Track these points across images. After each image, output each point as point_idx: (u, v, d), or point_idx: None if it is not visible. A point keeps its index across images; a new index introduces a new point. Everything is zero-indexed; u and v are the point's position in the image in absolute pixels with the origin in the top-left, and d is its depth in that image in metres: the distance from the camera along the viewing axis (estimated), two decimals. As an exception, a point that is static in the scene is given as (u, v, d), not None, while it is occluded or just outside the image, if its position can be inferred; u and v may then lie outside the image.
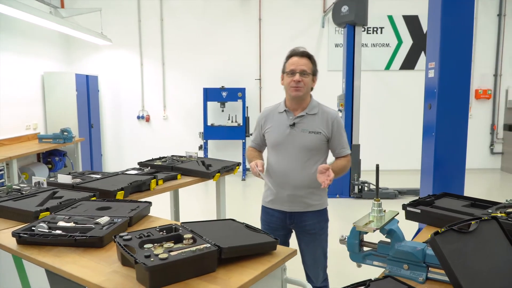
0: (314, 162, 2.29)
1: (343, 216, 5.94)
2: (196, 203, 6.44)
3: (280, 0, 8.21)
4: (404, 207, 2.39)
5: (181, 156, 4.20)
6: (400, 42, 8.40)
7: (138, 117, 8.42)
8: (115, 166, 8.40)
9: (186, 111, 8.41)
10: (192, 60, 8.27)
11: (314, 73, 2.33)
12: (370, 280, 1.48)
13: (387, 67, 8.43)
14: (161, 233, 1.64)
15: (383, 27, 8.35)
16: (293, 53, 2.32)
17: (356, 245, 1.71)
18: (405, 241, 1.64)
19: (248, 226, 1.79)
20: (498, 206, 2.23)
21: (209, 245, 1.47)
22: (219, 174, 3.60)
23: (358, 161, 6.45)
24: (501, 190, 7.50)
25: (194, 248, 1.43)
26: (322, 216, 2.40)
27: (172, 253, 1.41)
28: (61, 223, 1.85)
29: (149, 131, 8.49)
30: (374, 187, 6.58)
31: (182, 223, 1.76)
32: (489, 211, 2.15)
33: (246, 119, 8.02)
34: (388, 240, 1.66)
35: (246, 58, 8.30)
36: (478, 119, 8.59)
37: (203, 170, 3.59)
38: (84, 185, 2.88)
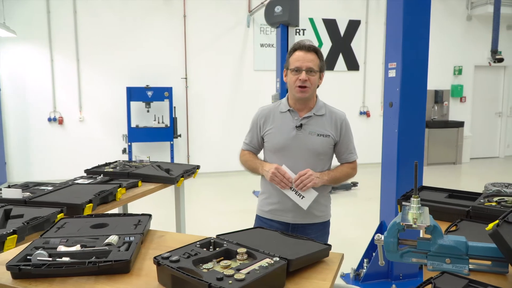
0: (322, 168, 2.12)
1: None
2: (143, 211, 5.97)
3: (205, -3, 8.04)
4: (399, 202, 2.46)
5: (130, 161, 3.84)
6: (320, 44, 8.77)
7: (49, 120, 7.54)
8: (22, 175, 7.42)
9: (106, 112, 7.77)
10: (112, 57, 7.66)
11: (321, 69, 2.11)
12: (431, 277, 1.47)
13: (309, 67, 8.73)
14: (205, 249, 1.44)
15: (305, 29, 8.64)
16: (298, 47, 2.09)
17: (395, 243, 1.69)
18: (445, 235, 1.66)
19: (284, 233, 1.66)
20: (485, 195, 2.41)
21: (277, 258, 1.31)
22: (183, 178, 3.36)
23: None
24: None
25: (265, 264, 1.27)
26: (325, 228, 2.23)
27: (242, 272, 1.23)
28: (63, 248, 1.52)
29: (62, 135, 7.65)
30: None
31: (218, 235, 1.57)
32: (481, 201, 2.30)
33: (174, 120, 7.67)
34: (428, 236, 1.67)
35: (172, 56, 7.95)
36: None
37: (165, 175, 3.31)
38: (40, 200, 2.46)
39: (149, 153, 7.88)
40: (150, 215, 1.94)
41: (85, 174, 3.39)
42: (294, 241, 1.57)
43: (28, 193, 2.60)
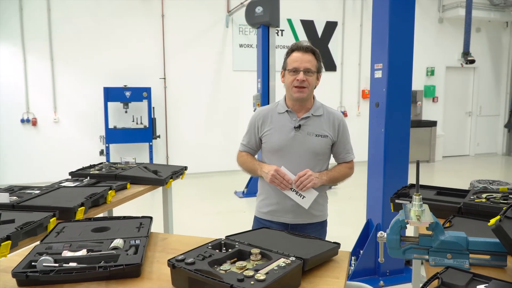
0: (320, 168, 2.13)
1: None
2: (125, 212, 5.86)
3: (184, -3, 7.96)
4: (392, 200, 2.51)
5: (115, 163, 3.75)
6: (298, 44, 8.84)
7: (22, 121, 7.28)
8: (-7, 179, 7.14)
9: (83, 113, 7.57)
10: (88, 57, 7.47)
11: (318, 70, 2.12)
12: (437, 273, 1.51)
13: (288, 68, 8.79)
14: (217, 250, 1.43)
15: (283, 30, 8.69)
16: (295, 48, 2.10)
17: (397, 240, 1.73)
18: (446, 231, 1.71)
19: (290, 233, 1.67)
20: (474, 192, 2.49)
21: (293, 258, 1.32)
22: (172, 180, 3.32)
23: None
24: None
25: (282, 264, 1.28)
26: (323, 228, 2.25)
27: (261, 272, 1.23)
28: (68, 253, 1.47)
29: (36, 137, 7.40)
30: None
31: (227, 236, 1.56)
32: (471, 197, 2.39)
33: (152, 121, 7.56)
34: (429, 232, 1.72)
35: (150, 55, 7.83)
36: (365, 116, 9.51)
37: (153, 177, 3.26)
38: (29, 204, 2.37)
39: (127, 154, 7.74)
40: (151, 218, 1.91)
41: (69, 177, 3.30)
42: (302, 240, 1.58)
43: (15, 197, 2.51)
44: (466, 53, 7.57)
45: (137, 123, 7.55)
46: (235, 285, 1.14)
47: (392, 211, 2.57)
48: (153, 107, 7.60)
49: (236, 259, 1.38)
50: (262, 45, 6.39)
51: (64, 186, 2.89)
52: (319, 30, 8.98)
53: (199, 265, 1.28)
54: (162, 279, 1.39)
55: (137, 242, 1.59)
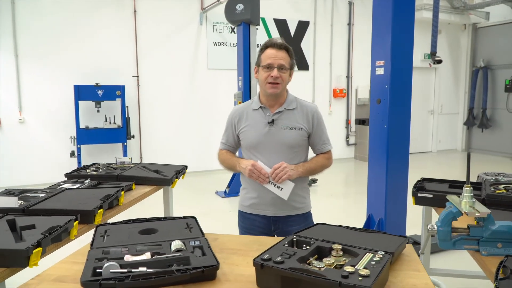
0: (298, 160, 2.16)
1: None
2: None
3: (156, -8, 7.73)
4: (414, 193, 2.55)
5: (111, 163, 3.56)
6: (272, 43, 8.85)
7: (-16, 121, 6.78)
8: (-48, 184, 6.57)
9: (51, 113, 7.13)
10: (57, 53, 7.05)
11: (291, 67, 2.15)
12: (502, 261, 1.53)
13: (262, 67, 8.78)
14: (295, 247, 1.37)
15: (257, 29, 8.64)
16: (269, 44, 2.11)
17: (449, 232, 1.74)
18: (496, 221, 1.75)
19: (347, 227, 1.65)
20: (490, 184, 2.58)
21: (382, 252, 1.29)
22: (177, 179, 3.19)
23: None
24: (356, 175, 8.61)
25: (376, 258, 1.24)
26: (307, 219, 2.25)
27: (359, 268, 1.19)
28: (130, 257, 1.36)
29: (0, 138, 6.90)
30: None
31: (295, 233, 1.51)
32: (491, 189, 2.47)
33: (126, 120, 7.28)
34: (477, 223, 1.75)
35: (122, 53, 7.52)
36: (337, 115, 9.74)
37: (158, 176, 3.13)
38: (40, 207, 2.20)
39: (99, 155, 7.42)
40: (195, 218, 1.82)
41: (66, 178, 3.09)
42: (367, 234, 1.56)
43: (21, 201, 2.31)
44: (433, 53, 7.88)
45: (110, 123, 7.23)
46: (343, 282, 1.09)
47: (414, 204, 2.63)
48: (127, 106, 7.31)
49: (317, 256, 1.34)
50: (243, 43, 6.32)
51: (68, 188, 2.69)
52: (292, 29, 9.03)
53: (290, 263, 1.22)
54: (241, 280, 1.31)
55: (197, 243, 1.50)
